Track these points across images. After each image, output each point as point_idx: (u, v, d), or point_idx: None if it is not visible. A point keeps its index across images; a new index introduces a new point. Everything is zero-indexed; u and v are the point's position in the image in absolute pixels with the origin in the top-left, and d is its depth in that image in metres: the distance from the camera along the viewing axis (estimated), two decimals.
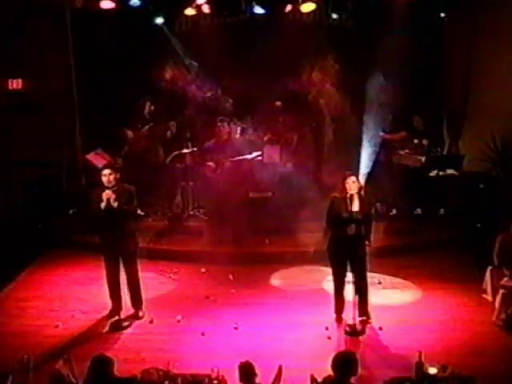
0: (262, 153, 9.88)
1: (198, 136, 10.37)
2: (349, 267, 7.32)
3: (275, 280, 8.75)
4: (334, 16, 10.47)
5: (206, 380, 5.48)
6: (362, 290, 7.32)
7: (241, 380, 5.17)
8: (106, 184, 7.35)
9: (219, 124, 9.48)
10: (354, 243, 7.16)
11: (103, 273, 7.71)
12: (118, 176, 7.45)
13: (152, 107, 10.60)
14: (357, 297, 7.27)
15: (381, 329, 7.33)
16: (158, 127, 10.55)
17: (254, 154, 9.63)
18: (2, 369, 5.74)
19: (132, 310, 7.76)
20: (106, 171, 7.41)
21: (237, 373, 5.19)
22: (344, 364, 5.08)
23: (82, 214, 10.21)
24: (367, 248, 7.30)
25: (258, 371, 5.22)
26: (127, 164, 9.68)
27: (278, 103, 10.67)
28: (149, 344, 7.13)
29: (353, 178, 7.19)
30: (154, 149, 10.53)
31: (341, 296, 7.47)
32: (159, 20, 10.01)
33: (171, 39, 10.53)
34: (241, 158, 9.43)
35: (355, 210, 7.13)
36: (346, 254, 7.24)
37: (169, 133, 10.52)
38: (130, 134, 10.51)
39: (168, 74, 10.64)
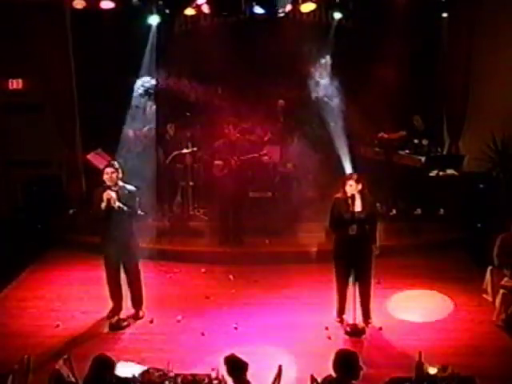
0: (267, 152, 9.87)
1: (201, 136, 10.36)
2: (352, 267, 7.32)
3: None
4: (334, 16, 10.46)
5: (206, 380, 5.47)
6: (364, 291, 7.33)
7: (229, 374, 5.16)
8: (108, 183, 7.33)
9: (225, 126, 9.47)
10: (357, 243, 7.16)
11: (103, 273, 7.71)
12: (121, 175, 7.44)
13: (153, 107, 10.59)
14: (359, 297, 7.28)
15: (381, 329, 7.34)
16: (157, 128, 10.54)
17: (262, 152, 9.63)
18: (2, 369, 5.74)
19: (132, 310, 7.77)
20: (109, 170, 7.39)
21: (224, 367, 5.17)
22: (347, 365, 5.03)
23: (83, 213, 10.24)
24: (374, 252, 7.29)
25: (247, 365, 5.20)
26: (126, 165, 9.66)
27: (281, 102, 10.66)
28: (149, 344, 7.13)
29: (351, 182, 7.18)
30: (154, 149, 10.51)
31: (343, 296, 7.47)
32: (154, 20, 10.00)
33: (149, 45, 10.49)
34: (249, 157, 9.44)
35: (357, 210, 7.13)
36: (350, 255, 7.24)
37: (167, 136, 10.51)
38: (130, 133, 10.50)
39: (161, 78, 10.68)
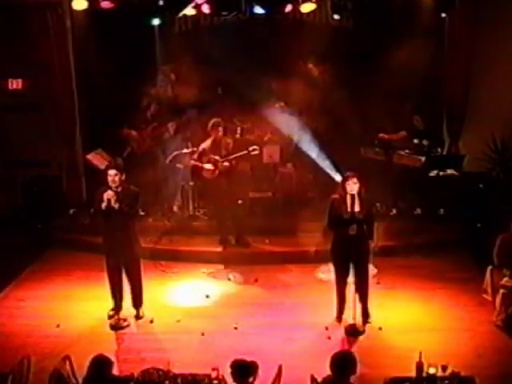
0: (261, 149, 9.86)
1: (196, 136, 10.36)
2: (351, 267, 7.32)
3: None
4: (334, 16, 10.46)
5: (206, 380, 5.48)
6: (362, 290, 7.33)
7: (235, 380, 5.15)
8: (110, 184, 7.32)
9: (210, 127, 9.44)
10: (356, 243, 7.15)
11: (103, 273, 7.71)
12: (123, 177, 7.44)
13: (157, 107, 10.61)
14: (357, 297, 7.28)
15: (381, 329, 7.34)
16: (159, 128, 10.55)
17: (251, 148, 9.57)
18: (2, 369, 5.74)
19: (132, 310, 7.77)
20: (112, 172, 7.37)
21: (229, 372, 5.17)
22: (341, 364, 5.08)
23: (83, 213, 10.24)
24: (371, 246, 7.29)
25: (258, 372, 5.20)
26: (130, 164, 9.65)
27: (281, 104, 10.63)
28: (149, 344, 7.14)
29: (354, 179, 7.18)
30: (156, 149, 10.53)
31: (342, 296, 7.47)
32: (155, 21, 10.04)
33: (156, 45, 10.52)
34: (237, 155, 9.39)
35: (356, 210, 7.13)
36: (348, 254, 7.23)
37: (167, 134, 10.51)
38: (134, 134, 10.50)
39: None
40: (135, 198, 7.47)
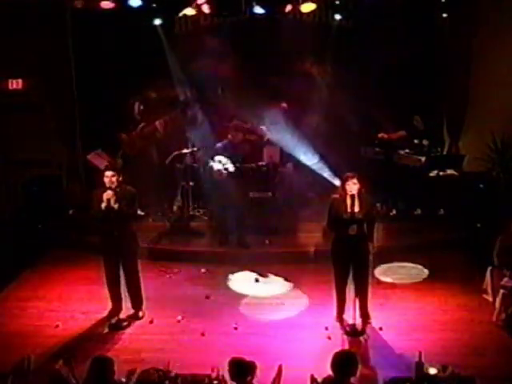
0: (261, 149, 9.90)
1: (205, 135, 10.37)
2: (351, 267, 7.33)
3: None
4: (334, 16, 10.46)
5: (206, 380, 5.48)
6: (362, 290, 7.32)
7: (233, 378, 5.15)
8: (108, 185, 7.34)
9: (230, 130, 9.47)
10: (356, 243, 7.16)
11: (103, 273, 7.71)
12: (121, 178, 7.45)
13: (141, 107, 10.59)
14: (357, 297, 7.28)
15: (381, 329, 7.34)
16: (147, 127, 10.53)
17: (260, 163, 9.71)
18: (2, 369, 5.74)
19: (132, 310, 7.77)
20: (109, 173, 7.39)
21: (227, 370, 5.17)
22: (343, 363, 5.08)
23: (83, 214, 10.24)
24: (371, 249, 7.29)
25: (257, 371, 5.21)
26: (124, 166, 9.66)
27: (284, 105, 10.64)
28: (149, 344, 7.13)
29: (354, 180, 7.18)
30: (149, 149, 10.52)
31: (342, 296, 7.46)
32: (157, 22, 10.04)
33: (164, 45, 10.54)
34: (247, 166, 9.49)
35: (356, 210, 7.13)
36: (348, 255, 7.24)
37: (157, 133, 10.49)
38: (123, 136, 10.50)
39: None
40: (133, 199, 7.49)
